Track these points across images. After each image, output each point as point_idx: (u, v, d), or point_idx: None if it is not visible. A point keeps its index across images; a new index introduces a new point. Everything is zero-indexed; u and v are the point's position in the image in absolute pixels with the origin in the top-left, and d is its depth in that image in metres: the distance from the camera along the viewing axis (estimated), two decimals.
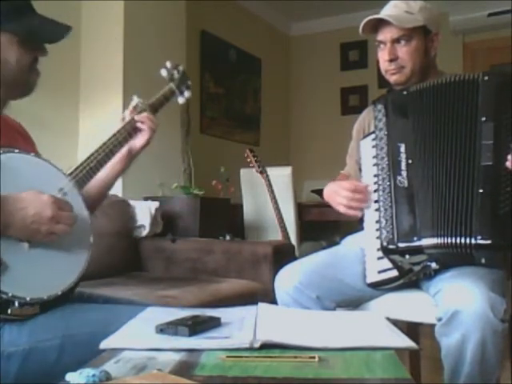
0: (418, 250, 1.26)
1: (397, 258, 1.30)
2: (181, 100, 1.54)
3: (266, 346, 0.86)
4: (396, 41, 1.46)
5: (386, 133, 1.36)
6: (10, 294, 0.98)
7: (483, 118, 1.24)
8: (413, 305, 1.40)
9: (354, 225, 1.60)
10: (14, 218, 1.01)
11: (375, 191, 1.37)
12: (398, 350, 0.88)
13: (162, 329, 0.92)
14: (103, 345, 0.87)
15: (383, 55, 1.49)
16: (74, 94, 2.93)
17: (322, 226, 3.55)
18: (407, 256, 1.28)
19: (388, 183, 1.32)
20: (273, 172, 3.16)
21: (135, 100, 1.40)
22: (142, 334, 0.93)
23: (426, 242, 1.24)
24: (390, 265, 1.34)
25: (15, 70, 1.16)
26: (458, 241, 1.22)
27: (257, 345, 0.85)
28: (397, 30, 1.44)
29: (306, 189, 4.37)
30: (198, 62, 4.18)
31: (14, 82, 1.18)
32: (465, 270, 1.26)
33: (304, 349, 0.86)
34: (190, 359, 0.81)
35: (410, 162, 1.30)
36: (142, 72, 3.04)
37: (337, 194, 1.44)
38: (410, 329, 1.73)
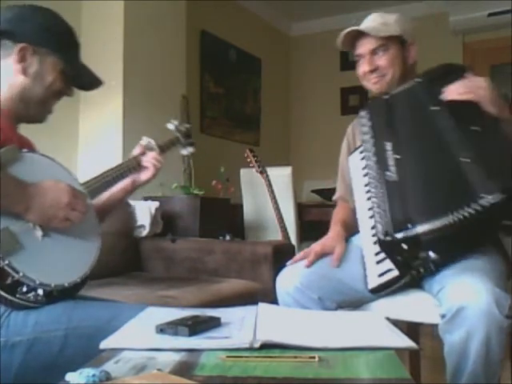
0: (415, 238, 1.26)
1: (395, 250, 1.30)
2: (185, 152, 1.71)
3: (266, 346, 0.86)
4: (374, 52, 1.53)
5: (372, 135, 1.45)
6: (21, 274, 1.01)
7: (434, 108, 1.36)
8: (413, 305, 1.40)
9: None
10: (34, 202, 1.06)
11: (367, 192, 1.41)
12: (398, 350, 0.89)
13: (162, 329, 0.92)
14: (103, 345, 0.87)
15: (363, 67, 1.55)
16: (74, 94, 2.92)
17: (321, 226, 3.55)
18: (404, 246, 1.28)
19: (378, 180, 1.36)
20: (273, 172, 3.16)
21: (145, 140, 1.52)
22: (142, 334, 0.93)
23: (421, 228, 1.24)
24: (389, 266, 1.34)
25: (44, 90, 1.24)
26: (455, 218, 1.20)
27: (257, 345, 0.85)
28: (374, 41, 1.51)
29: (305, 189, 4.37)
30: (198, 62, 4.18)
31: (36, 100, 1.24)
32: (468, 266, 1.26)
33: (304, 349, 0.86)
34: (190, 359, 0.81)
35: (397, 157, 1.35)
36: (142, 72, 3.05)
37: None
38: (410, 329, 1.74)
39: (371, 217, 1.39)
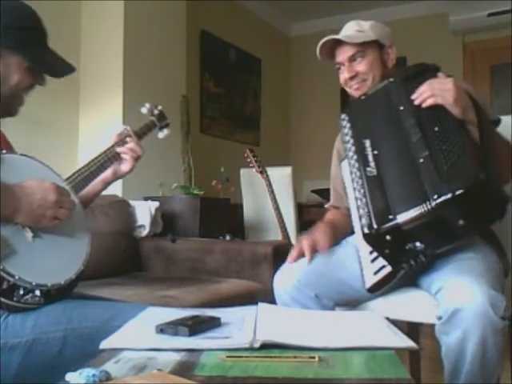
0: (397, 229, 1.26)
1: (381, 244, 1.31)
2: (161, 135, 1.67)
3: (266, 346, 0.86)
4: (352, 59, 1.56)
5: (351, 134, 1.48)
6: (16, 277, 1.01)
7: (401, 107, 1.38)
8: (413, 305, 1.40)
9: None
10: (21, 204, 1.06)
11: (354, 189, 1.42)
12: (398, 350, 0.89)
13: (162, 329, 0.92)
14: (103, 345, 0.87)
15: (344, 74, 1.59)
16: (74, 94, 2.93)
17: None
18: (388, 237, 1.28)
19: (360, 176, 1.38)
20: (273, 172, 3.16)
21: (121, 127, 1.51)
22: (142, 334, 0.93)
23: (401, 218, 1.25)
24: (383, 263, 1.35)
25: (11, 90, 1.21)
26: (425, 208, 1.23)
27: (257, 345, 0.85)
28: (351, 48, 1.55)
29: (305, 189, 4.38)
30: (198, 62, 4.18)
31: (5, 99, 1.22)
32: (465, 267, 1.27)
33: (304, 349, 0.86)
34: (190, 359, 0.81)
35: (375, 152, 1.38)
36: (142, 72, 3.05)
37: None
38: (410, 329, 1.74)
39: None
